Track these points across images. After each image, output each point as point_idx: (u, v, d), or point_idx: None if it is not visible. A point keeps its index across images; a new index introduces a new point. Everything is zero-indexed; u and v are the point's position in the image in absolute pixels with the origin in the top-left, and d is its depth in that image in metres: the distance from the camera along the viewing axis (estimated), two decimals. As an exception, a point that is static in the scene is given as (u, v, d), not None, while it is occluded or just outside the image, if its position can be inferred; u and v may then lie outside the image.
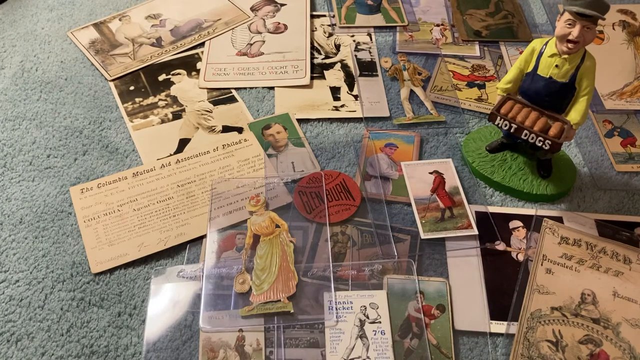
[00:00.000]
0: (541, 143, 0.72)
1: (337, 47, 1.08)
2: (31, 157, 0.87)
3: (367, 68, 1.02)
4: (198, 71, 1.02)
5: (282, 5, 1.17)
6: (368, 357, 0.64)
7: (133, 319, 0.69)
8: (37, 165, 0.86)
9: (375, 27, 1.11)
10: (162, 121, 0.93)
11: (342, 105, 0.95)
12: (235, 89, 0.99)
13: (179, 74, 1.02)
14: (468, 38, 1.08)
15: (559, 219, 0.78)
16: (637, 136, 0.91)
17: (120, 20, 1.13)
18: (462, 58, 1.05)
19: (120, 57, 1.04)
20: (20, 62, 1.03)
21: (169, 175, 0.84)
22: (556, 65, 0.70)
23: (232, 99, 0.97)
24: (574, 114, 0.72)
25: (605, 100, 0.97)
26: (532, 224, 0.77)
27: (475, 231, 0.76)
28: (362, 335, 0.65)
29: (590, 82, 0.71)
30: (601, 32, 1.09)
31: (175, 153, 0.88)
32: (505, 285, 0.71)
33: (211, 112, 0.95)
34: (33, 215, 0.79)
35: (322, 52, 1.06)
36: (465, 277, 0.72)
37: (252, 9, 1.16)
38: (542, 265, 0.72)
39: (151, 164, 0.85)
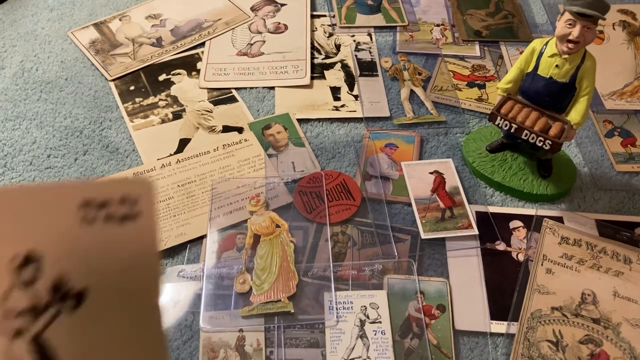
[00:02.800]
0: (541, 143, 0.72)
1: (337, 47, 1.07)
2: (31, 157, 0.87)
3: (368, 68, 1.02)
4: (198, 71, 1.02)
5: (282, 5, 1.17)
6: (368, 357, 0.63)
7: (133, 319, 0.69)
8: (37, 165, 0.86)
9: (375, 27, 1.11)
10: (163, 121, 0.93)
11: (343, 105, 0.95)
12: (236, 89, 0.99)
13: (179, 74, 1.02)
14: (468, 38, 1.08)
15: (559, 219, 0.78)
16: (638, 136, 0.91)
17: (120, 20, 1.13)
18: (462, 58, 1.05)
19: (120, 57, 1.04)
20: (21, 62, 1.03)
21: (169, 175, 0.84)
22: (556, 65, 0.70)
23: (233, 99, 0.97)
24: (574, 114, 0.72)
25: (605, 100, 0.97)
26: (532, 224, 0.77)
27: (475, 231, 0.76)
28: (362, 335, 0.65)
29: (591, 82, 0.71)
30: (601, 32, 1.09)
31: (175, 153, 0.88)
32: (506, 285, 0.71)
33: (211, 112, 0.95)
34: (33, 215, 0.79)
35: (322, 52, 1.06)
36: (466, 277, 0.72)
37: (252, 9, 1.16)
38: (542, 265, 0.72)
39: (151, 164, 0.85)
